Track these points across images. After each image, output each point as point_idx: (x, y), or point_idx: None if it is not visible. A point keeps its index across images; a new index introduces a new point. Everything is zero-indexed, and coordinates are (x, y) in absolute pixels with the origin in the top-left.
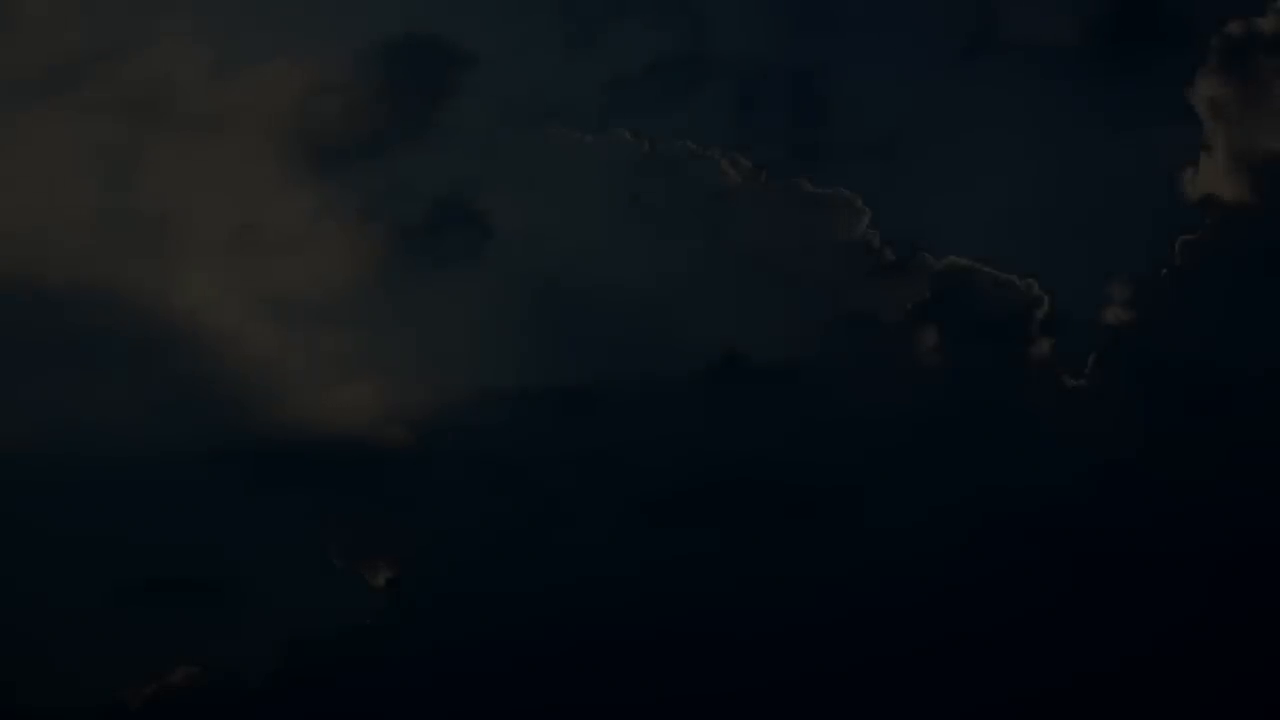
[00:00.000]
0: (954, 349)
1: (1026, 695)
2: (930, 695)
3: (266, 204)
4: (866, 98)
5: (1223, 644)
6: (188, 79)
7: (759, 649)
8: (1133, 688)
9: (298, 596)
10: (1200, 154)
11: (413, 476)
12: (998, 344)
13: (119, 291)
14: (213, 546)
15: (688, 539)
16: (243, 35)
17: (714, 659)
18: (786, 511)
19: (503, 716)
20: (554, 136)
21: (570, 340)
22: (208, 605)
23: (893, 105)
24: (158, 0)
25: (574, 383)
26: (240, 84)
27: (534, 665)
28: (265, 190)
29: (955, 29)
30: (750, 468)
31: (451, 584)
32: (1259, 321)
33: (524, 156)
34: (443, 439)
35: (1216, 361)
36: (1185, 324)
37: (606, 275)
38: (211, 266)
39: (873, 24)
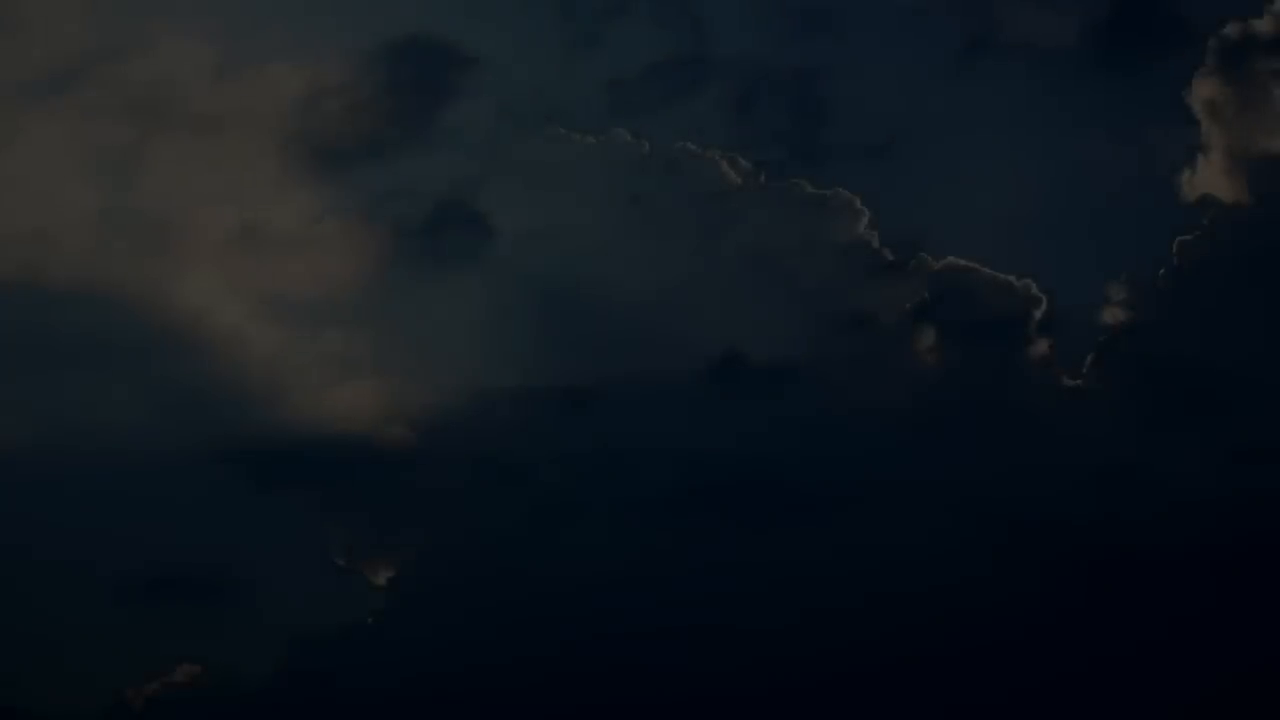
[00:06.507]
0: (953, 349)
1: (1025, 693)
2: (929, 692)
3: (268, 205)
4: (866, 99)
5: (1223, 643)
6: (190, 80)
7: (759, 646)
8: (1133, 687)
9: (299, 596)
10: (1198, 155)
11: (413, 476)
12: (996, 344)
13: (121, 292)
14: (214, 546)
15: (687, 538)
16: (245, 37)
17: (714, 657)
18: (786, 510)
19: (502, 715)
20: (554, 137)
21: (570, 340)
22: (209, 604)
23: (892, 106)
24: (160, 2)
25: (574, 383)
26: (242, 85)
27: (534, 663)
28: (267, 191)
29: (954, 30)
30: (750, 467)
31: (451, 584)
32: (1256, 321)
33: (525, 157)
34: (443, 439)
35: (1214, 361)
36: (1183, 324)
37: (606, 275)
38: (214, 267)
39: (872, 25)
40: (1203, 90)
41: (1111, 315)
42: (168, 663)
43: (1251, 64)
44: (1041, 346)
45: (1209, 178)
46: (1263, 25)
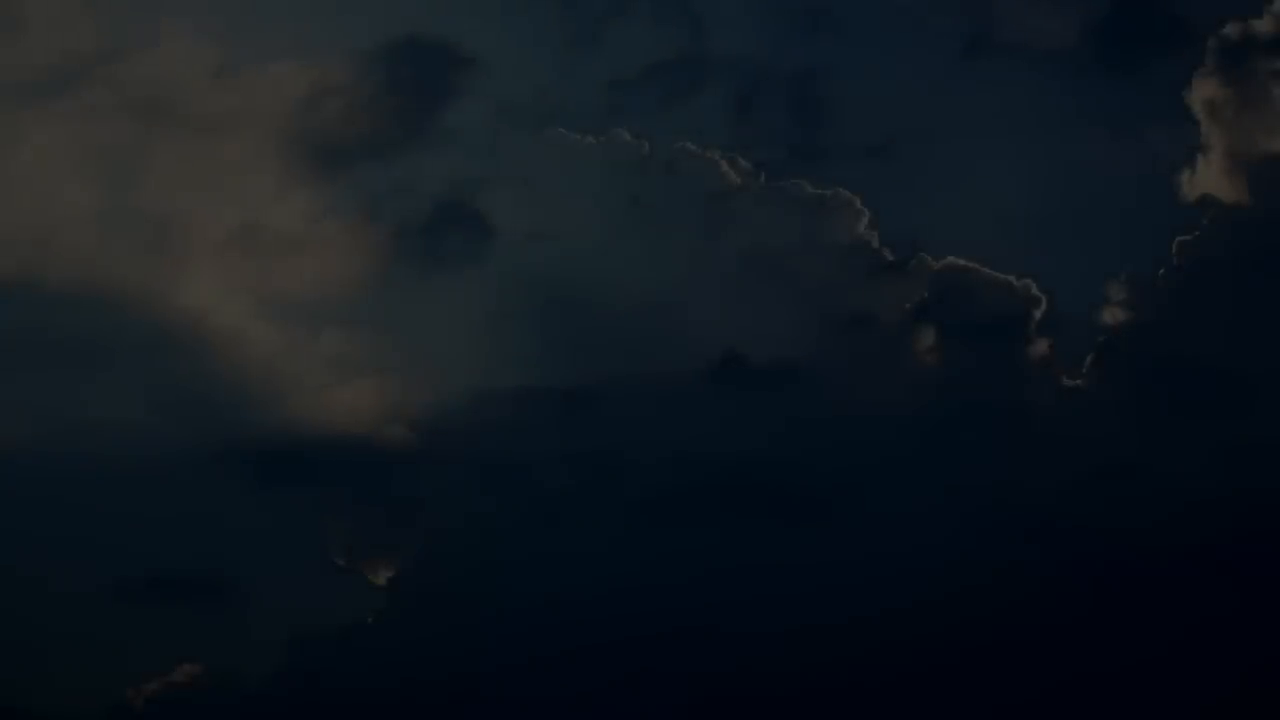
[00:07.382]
0: (952, 349)
1: (1025, 694)
2: (928, 694)
3: (269, 205)
4: (865, 99)
5: (1223, 643)
6: (191, 80)
7: (758, 647)
8: (1132, 687)
9: (299, 595)
10: (1198, 155)
11: (413, 476)
12: (996, 344)
13: (121, 292)
14: (214, 546)
15: (687, 538)
16: (246, 37)
17: (713, 657)
18: (786, 511)
19: (502, 715)
20: (555, 138)
21: (570, 340)
22: (210, 604)
23: (891, 106)
24: (160, 2)
25: (574, 383)
26: (243, 86)
27: (533, 663)
28: (268, 191)
29: (954, 31)
30: (750, 468)
31: (451, 584)
32: (1256, 321)
33: (525, 158)
34: (443, 439)
35: (1214, 361)
36: (1183, 324)
37: (606, 275)
38: (214, 267)
39: (871, 26)
40: (1202, 90)
41: (1111, 315)
42: (168, 663)
43: (1251, 64)
44: (1041, 346)
45: (1209, 178)
46: (1263, 25)
